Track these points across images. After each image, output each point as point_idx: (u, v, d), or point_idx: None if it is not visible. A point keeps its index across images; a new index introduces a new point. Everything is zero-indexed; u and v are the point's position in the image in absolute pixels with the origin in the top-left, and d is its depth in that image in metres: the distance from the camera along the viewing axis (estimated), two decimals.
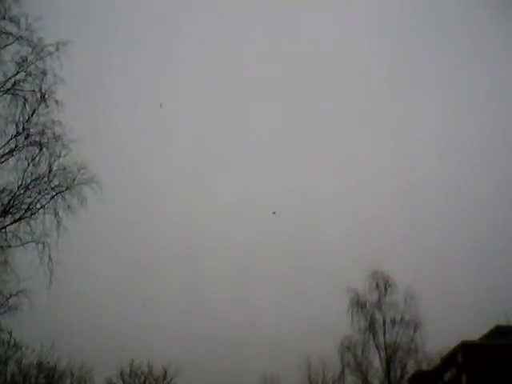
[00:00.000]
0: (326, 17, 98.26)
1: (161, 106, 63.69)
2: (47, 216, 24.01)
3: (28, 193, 23.82)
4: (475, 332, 53.10)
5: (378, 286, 54.20)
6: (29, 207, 23.83)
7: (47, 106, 23.59)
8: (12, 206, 23.61)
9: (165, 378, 68.33)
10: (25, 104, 23.28)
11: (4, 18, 22.80)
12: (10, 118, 23.35)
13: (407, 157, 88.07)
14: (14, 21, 22.75)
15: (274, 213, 63.78)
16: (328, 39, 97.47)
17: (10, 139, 23.38)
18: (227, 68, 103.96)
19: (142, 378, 68.38)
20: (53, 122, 23.84)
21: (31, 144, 23.61)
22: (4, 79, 23.17)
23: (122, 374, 67.53)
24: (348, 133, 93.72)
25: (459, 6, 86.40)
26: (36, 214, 23.95)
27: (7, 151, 23.34)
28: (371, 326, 53.63)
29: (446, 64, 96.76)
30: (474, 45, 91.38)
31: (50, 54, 23.29)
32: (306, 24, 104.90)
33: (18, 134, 23.40)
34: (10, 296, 24.54)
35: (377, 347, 53.46)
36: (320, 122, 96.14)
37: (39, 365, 56.98)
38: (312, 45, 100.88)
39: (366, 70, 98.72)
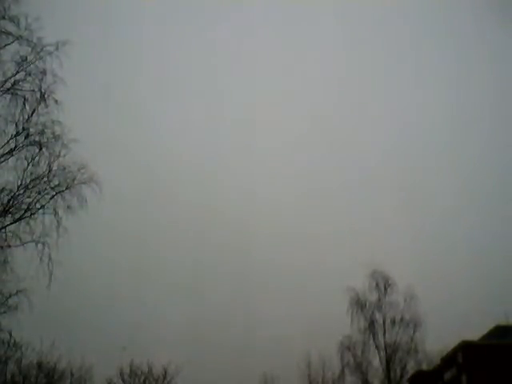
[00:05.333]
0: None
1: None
2: (47, 216, 23.98)
3: (28, 193, 23.77)
4: (475, 332, 53.14)
5: (377, 285, 54.23)
6: (28, 207, 23.78)
7: (47, 106, 23.55)
8: (12, 206, 23.56)
9: (165, 377, 68.28)
10: (24, 104, 23.24)
11: (4, 17, 22.77)
12: (9, 118, 23.31)
13: (408, 156, 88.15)
14: (14, 20, 22.70)
15: None
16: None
17: (10, 139, 23.33)
18: (228, 66, 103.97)
19: (142, 378, 68.35)
20: (52, 121, 23.80)
21: (31, 144, 23.56)
22: (4, 79, 23.16)
23: (121, 373, 67.50)
24: (348, 134, 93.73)
25: None
26: (36, 214, 23.90)
27: (7, 151, 23.28)
28: (371, 325, 53.64)
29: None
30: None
31: (50, 53, 23.24)
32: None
33: (17, 133, 23.35)
34: (10, 296, 24.45)
35: (377, 347, 53.50)
36: (320, 117, 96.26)
37: (39, 365, 56.87)
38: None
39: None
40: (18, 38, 22.90)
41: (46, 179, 24.00)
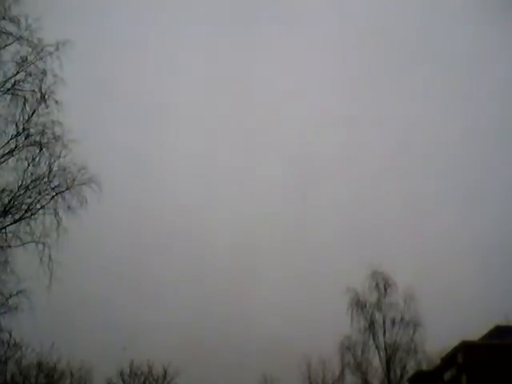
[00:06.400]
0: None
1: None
2: (47, 216, 23.98)
3: (28, 193, 23.78)
4: (475, 332, 53.10)
5: (377, 285, 54.27)
6: (29, 207, 23.79)
7: (47, 106, 23.55)
8: (12, 207, 23.57)
9: (165, 377, 68.39)
10: (25, 104, 23.25)
11: (4, 18, 22.80)
12: (9, 118, 23.32)
13: (408, 156, 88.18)
14: (14, 21, 22.74)
15: None
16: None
17: (10, 139, 23.35)
18: (228, 67, 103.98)
19: (142, 378, 68.44)
20: (53, 122, 23.80)
21: (31, 144, 23.57)
22: (4, 79, 23.16)
23: (122, 373, 67.60)
24: (349, 134, 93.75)
25: None
26: (36, 215, 23.91)
27: (7, 151, 23.30)
28: (371, 326, 53.69)
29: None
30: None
31: (50, 53, 23.26)
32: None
33: (17, 134, 23.36)
34: (10, 296, 24.40)
35: (377, 347, 53.57)
36: (320, 116, 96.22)
37: (39, 365, 57.01)
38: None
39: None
40: (19, 38, 22.92)
41: (46, 180, 24.01)
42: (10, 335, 28.22)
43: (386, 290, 54.01)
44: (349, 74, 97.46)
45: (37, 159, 23.70)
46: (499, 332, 52.05)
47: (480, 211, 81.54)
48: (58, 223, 23.96)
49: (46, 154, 23.79)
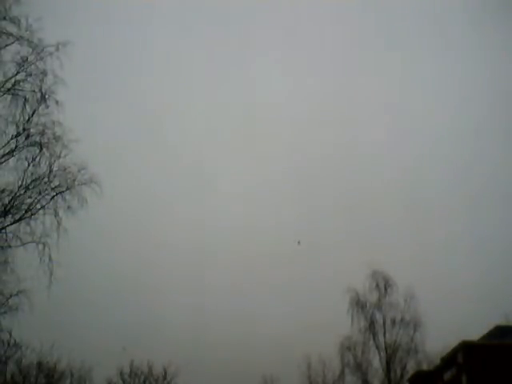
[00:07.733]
0: None
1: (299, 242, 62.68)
2: (47, 216, 23.97)
3: (28, 193, 23.77)
4: (475, 332, 53.13)
5: (377, 285, 54.30)
6: (29, 207, 23.77)
7: (47, 107, 23.55)
8: (12, 207, 23.56)
9: (165, 378, 68.33)
10: (25, 104, 23.23)
11: (4, 18, 22.77)
12: (10, 119, 23.30)
13: (408, 155, 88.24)
14: (15, 21, 22.71)
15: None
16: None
17: (11, 139, 23.33)
18: (228, 67, 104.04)
19: (142, 377, 68.40)
20: (53, 122, 23.79)
21: (31, 144, 23.55)
22: (4, 79, 23.14)
23: (121, 373, 67.54)
24: (348, 134, 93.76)
25: None
26: (36, 215, 23.90)
27: (7, 151, 23.28)
28: (371, 326, 53.71)
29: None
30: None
31: (51, 54, 23.25)
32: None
33: (18, 134, 23.35)
34: (10, 296, 24.44)
35: (377, 347, 53.58)
36: (320, 116, 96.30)
37: (39, 365, 56.94)
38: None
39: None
40: (19, 38, 22.90)
41: (46, 180, 24.00)
42: (10, 335, 28.27)
43: (386, 289, 54.06)
44: (347, 80, 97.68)
45: (37, 159, 23.71)
46: (499, 332, 52.07)
47: (480, 211, 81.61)
48: (58, 223, 23.98)
49: (46, 154, 23.81)
